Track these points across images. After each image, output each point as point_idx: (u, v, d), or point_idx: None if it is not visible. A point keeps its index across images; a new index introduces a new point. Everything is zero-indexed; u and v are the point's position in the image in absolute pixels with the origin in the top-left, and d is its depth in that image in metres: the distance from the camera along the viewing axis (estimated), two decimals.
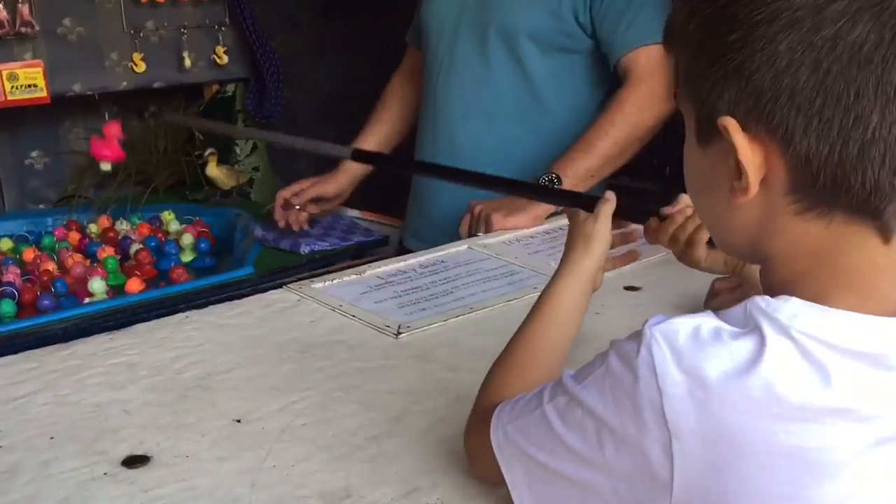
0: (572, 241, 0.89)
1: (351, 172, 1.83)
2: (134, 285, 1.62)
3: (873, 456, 0.52)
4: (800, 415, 0.51)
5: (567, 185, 1.51)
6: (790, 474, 0.52)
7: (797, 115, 0.52)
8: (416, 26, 1.87)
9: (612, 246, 0.92)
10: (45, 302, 1.52)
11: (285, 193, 1.80)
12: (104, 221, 1.99)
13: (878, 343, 0.53)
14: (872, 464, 0.52)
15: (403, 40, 1.93)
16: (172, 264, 1.75)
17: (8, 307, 1.50)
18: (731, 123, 0.55)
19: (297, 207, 1.80)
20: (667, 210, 0.93)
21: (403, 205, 1.94)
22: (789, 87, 0.52)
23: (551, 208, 1.54)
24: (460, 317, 1.15)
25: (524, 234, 1.50)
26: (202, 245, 1.89)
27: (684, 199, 0.92)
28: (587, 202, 0.92)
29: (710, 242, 0.90)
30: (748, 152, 0.55)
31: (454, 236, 1.55)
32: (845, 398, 0.52)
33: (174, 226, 2.00)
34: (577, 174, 1.54)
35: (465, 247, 1.44)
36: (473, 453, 0.76)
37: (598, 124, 1.58)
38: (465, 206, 1.62)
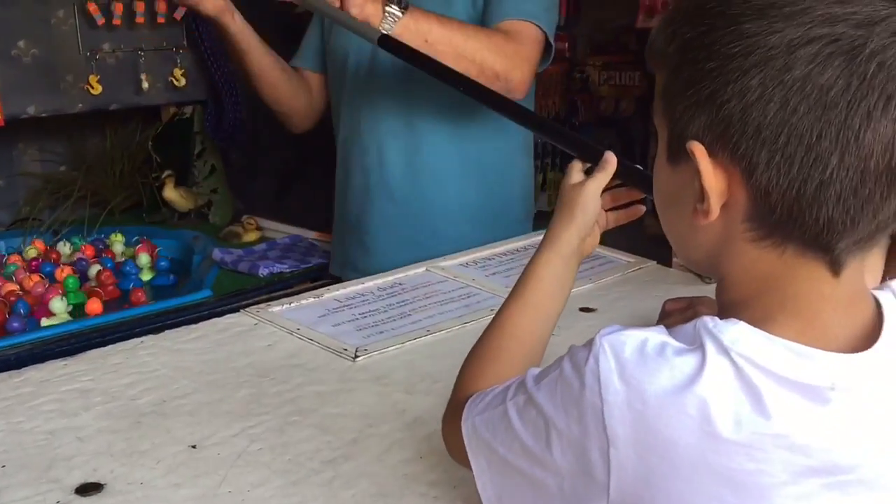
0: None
1: None
2: (94, 306, 1.61)
3: (800, 485, 0.54)
4: (731, 437, 0.53)
5: (407, 17, 1.42)
6: (717, 492, 0.54)
7: (761, 149, 0.54)
8: (313, 50, 1.81)
9: (617, 201, 0.89)
10: (15, 324, 1.52)
11: None
12: (39, 245, 1.97)
13: (815, 375, 0.55)
14: (799, 492, 0.54)
15: None
16: (132, 285, 1.74)
17: None
18: (698, 149, 0.57)
19: None
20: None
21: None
22: (757, 121, 0.54)
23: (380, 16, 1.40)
24: (417, 339, 1.16)
25: (481, 255, 1.51)
26: (162, 263, 1.88)
27: None
28: (590, 154, 0.87)
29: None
30: (712, 178, 0.57)
31: (390, 262, 1.50)
32: (776, 425, 0.53)
33: (119, 247, 1.99)
34: (418, 22, 1.43)
35: (423, 269, 1.45)
36: (449, 440, 0.78)
37: (470, 25, 1.50)
38: (398, 233, 1.60)
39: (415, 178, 1.64)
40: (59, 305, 1.57)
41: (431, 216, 1.63)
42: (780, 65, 0.53)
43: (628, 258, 1.49)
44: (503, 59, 1.47)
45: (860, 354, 0.56)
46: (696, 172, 0.57)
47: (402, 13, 1.41)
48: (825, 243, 0.56)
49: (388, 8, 1.41)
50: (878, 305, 0.60)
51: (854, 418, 0.55)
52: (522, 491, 0.64)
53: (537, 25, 1.52)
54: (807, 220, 0.54)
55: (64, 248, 2.00)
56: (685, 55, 0.58)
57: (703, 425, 0.54)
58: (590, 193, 0.85)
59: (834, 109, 0.52)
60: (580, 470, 0.59)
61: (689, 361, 0.55)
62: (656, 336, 0.57)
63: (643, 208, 0.92)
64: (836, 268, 0.57)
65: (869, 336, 0.58)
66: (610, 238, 1.44)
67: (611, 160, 0.86)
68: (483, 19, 1.56)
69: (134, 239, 2.02)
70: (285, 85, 1.76)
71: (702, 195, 0.58)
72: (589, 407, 0.57)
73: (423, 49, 1.36)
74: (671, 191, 0.64)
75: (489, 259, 1.50)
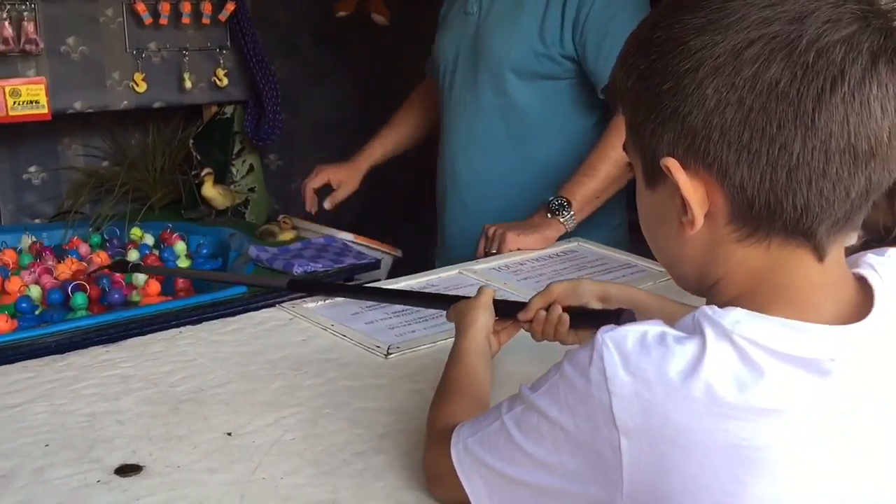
0: (458, 319, 1.00)
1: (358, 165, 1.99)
2: (154, 287, 1.72)
3: (806, 454, 0.56)
4: (737, 414, 0.55)
5: (575, 207, 1.61)
6: (729, 471, 0.56)
7: (729, 150, 0.58)
8: (433, 58, 1.96)
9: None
10: (116, 296, 1.67)
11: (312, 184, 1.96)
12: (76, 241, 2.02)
13: (813, 348, 0.57)
14: (804, 462, 0.56)
15: (397, 67, 2.00)
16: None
17: (80, 300, 1.62)
18: (672, 164, 0.60)
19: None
20: (520, 316, 1.01)
21: (396, 230, 1.99)
22: (719, 125, 0.57)
23: (561, 230, 1.62)
24: (448, 339, 1.17)
25: (514, 260, 1.53)
26: (204, 251, 1.95)
27: (533, 304, 1.00)
28: (446, 302, 1.07)
29: (571, 326, 0.98)
30: (690, 188, 0.60)
31: (459, 258, 1.63)
32: (779, 399, 0.56)
33: (150, 239, 2.04)
34: (584, 196, 1.63)
35: (455, 272, 1.47)
36: (433, 475, 0.80)
37: (599, 149, 1.66)
38: (467, 231, 1.72)
39: (481, 191, 1.81)
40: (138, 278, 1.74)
41: (495, 221, 1.69)
42: (729, 70, 0.56)
43: (660, 268, 1.50)
44: None
45: (855, 325, 0.59)
46: (675, 188, 0.60)
47: (571, 213, 1.61)
48: (806, 229, 0.58)
49: (562, 220, 1.61)
50: (862, 283, 0.63)
51: (853, 387, 0.57)
52: (528, 501, 0.66)
53: None
54: (785, 208, 0.57)
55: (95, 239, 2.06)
56: (643, 84, 0.61)
57: (710, 407, 0.56)
58: (476, 300, 1.00)
59: (786, 99, 0.55)
60: (591, 469, 0.60)
61: (690, 348, 0.57)
62: (655, 327, 0.60)
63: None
64: (820, 253, 0.60)
65: (858, 312, 0.60)
66: (644, 248, 1.46)
67: (483, 290, 1.02)
68: (594, 79, 1.67)
69: (153, 232, 2.08)
70: (423, 130, 2.03)
71: (684, 208, 0.61)
72: (596, 403, 0.59)
73: (602, 200, 1.66)
74: (655, 214, 0.66)
75: (521, 264, 1.52)
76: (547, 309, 0.99)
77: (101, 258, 1.89)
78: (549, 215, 1.62)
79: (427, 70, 2.01)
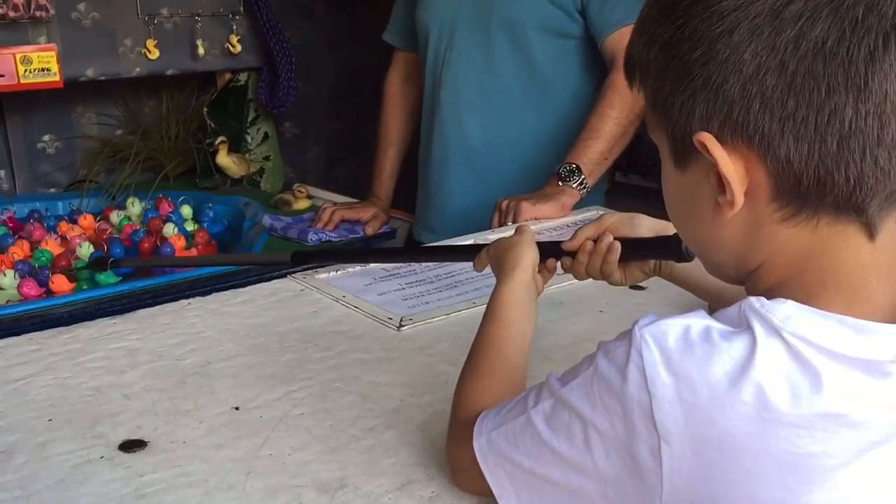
0: (501, 261, 0.90)
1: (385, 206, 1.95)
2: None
3: (864, 461, 0.52)
4: (790, 420, 0.51)
5: (585, 171, 1.58)
6: (780, 480, 0.51)
7: (771, 120, 0.52)
8: (400, 26, 1.92)
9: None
10: (167, 250, 1.77)
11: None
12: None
13: (871, 349, 0.52)
14: (863, 469, 0.52)
15: None
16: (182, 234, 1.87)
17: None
18: (707, 138, 0.55)
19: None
20: (565, 245, 0.94)
21: (411, 198, 1.95)
22: (759, 93, 0.52)
23: (576, 196, 1.58)
24: (462, 311, 1.15)
25: (532, 229, 1.49)
26: (210, 214, 2.00)
27: (582, 233, 0.93)
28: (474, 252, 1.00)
29: (620, 259, 0.91)
30: (728, 164, 0.54)
31: (464, 229, 1.57)
32: (837, 403, 0.51)
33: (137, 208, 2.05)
34: (591, 160, 1.60)
35: (470, 241, 1.44)
36: (456, 465, 0.76)
37: (598, 109, 1.62)
38: (475, 198, 1.67)
39: (492, 149, 1.75)
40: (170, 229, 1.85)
41: (508, 184, 1.68)
42: (768, 31, 0.51)
43: None
44: (632, 106, 1.59)
45: None
46: (710, 166, 0.55)
47: (582, 177, 1.58)
48: (858, 203, 0.53)
49: (574, 186, 1.58)
50: None
51: None
52: (556, 501, 0.61)
53: None
54: (836, 181, 0.52)
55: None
56: (668, 53, 0.56)
57: (760, 412, 0.51)
58: (519, 237, 0.92)
59: (835, 60, 0.50)
60: (627, 472, 0.56)
61: (738, 346, 0.52)
62: (699, 321, 0.55)
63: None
64: (871, 230, 0.55)
65: None
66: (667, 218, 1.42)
67: (523, 227, 0.95)
68: (596, 30, 1.65)
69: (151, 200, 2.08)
70: (415, 125, 1.95)
71: (721, 187, 0.55)
72: (635, 403, 0.54)
73: (610, 160, 1.63)
74: (686, 197, 0.61)
75: (538, 233, 1.48)
76: (595, 241, 0.92)
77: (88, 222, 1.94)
78: (560, 183, 1.58)
79: (394, 41, 1.95)
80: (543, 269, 0.94)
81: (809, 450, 0.51)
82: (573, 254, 0.94)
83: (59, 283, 1.56)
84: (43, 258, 1.70)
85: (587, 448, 0.58)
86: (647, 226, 0.92)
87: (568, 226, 1.52)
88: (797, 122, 0.51)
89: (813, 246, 0.55)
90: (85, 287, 1.59)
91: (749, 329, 0.53)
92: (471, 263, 1.03)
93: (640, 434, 0.54)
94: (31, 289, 1.55)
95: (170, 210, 2.03)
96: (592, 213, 1.58)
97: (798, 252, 0.56)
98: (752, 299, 0.55)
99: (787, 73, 0.51)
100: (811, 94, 0.51)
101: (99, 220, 1.98)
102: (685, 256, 0.85)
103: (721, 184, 0.55)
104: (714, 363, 0.52)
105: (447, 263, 1.33)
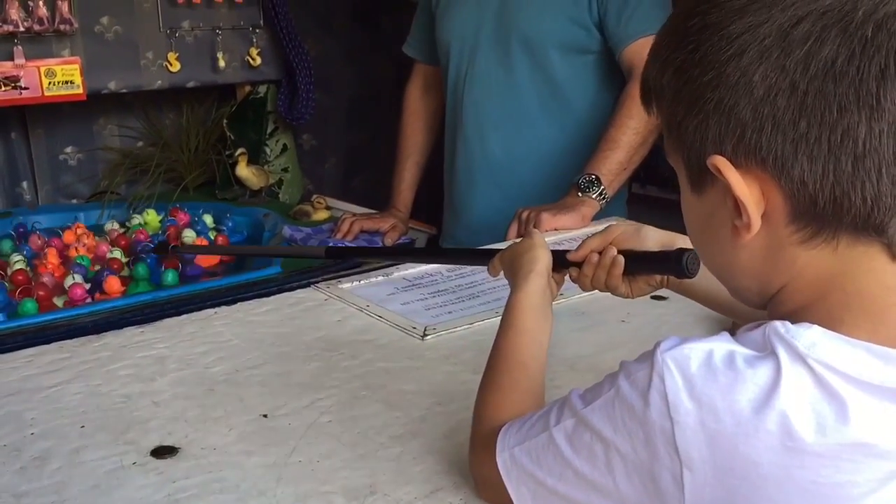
0: (515, 266, 0.90)
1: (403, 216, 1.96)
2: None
3: (890, 489, 0.51)
4: (816, 450, 0.50)
5: (605, 181, 1.59)
6: None
7: (784, 141, 0.52)
8: (420, 38, 1.94)
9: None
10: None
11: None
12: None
13: None
14: (889, 497, 0.51)
15: None
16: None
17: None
18: (720, 161, 0.55)
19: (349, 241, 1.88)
20: (571, 256, 0.93)
21: (430, 210, 1.97)
22: (771, 115, 0.52)
23: (596, 207, 1.59)
24: (486, 320, 1.16)
25: (552, 240, 1.50)
26: (229, 224, 1.99)
27: (587, 245, 0.93)
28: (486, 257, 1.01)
29: (625, 273, 0.90)
30: (743, 187, 0.54)
31: (490, 242, 1.58)
32: (863, 433, 0.50)
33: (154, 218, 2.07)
34: (611, 170, 1.61)
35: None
36: (479, 478, 0.76)
37: (616, 120, 1.64)
38: (498, 210, 1.68)
39: (514, 164, 1.78)
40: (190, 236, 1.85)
41: (532, 197, 1.69)
42: (777, 52, 0.51)
43: None
44: (650, 117, 1.56)
45: None
46: (726, 189, 0.55)
47: (602, 188, 1.60)
48: (877, 223, 0.53)
49: (594, 197, 1.59)
50: None
51: None
52: None
53: None
54: (854, 201, 0.52)
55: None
56: (680, 78, 0.56)
57: (785, 441, 0.50)
58: (537, 245, 0.91)
59: (845, 79, 0.50)
60: (648, 495, 0.56)
61: (762, 373, 0.52)
62: (722, 346, 0.54)
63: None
64: (893, 250, 0.54)
65: None
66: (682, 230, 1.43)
67: (534, 232, 0.95)
68: (613, 43, 1.66)
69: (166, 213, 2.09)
70: (434, 137, 1.99)
71: (737, 210, 0.55)
72: (657, 429, 0.54)
73: (629, 170, 1.65)
74: (704, 221, 0.61)
75: (558, 243, 1.49)
76: (601, 252, 0.91)
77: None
78: (579, 194, 1.59)
79: (414, 54, 1.97)
80: (553, 278, 0.94)
81: (835, 479, 0.51)
82: (580, 264, 0.94)
83: (113, 284, 1.59)
84: (86, 263, 1.72)
85: (609, 470, 0.58)
86: (653, 238, 0.91)
87: (573, 238, 1.53)
88: (810, 142, 0.51)
89: (834, 268, 0.55)
90: (141, 289, 1.61)
91: (773, 355, 0.52)
92: (489, 272, 1.03)
93: (662, 459, 0.54)
94: (81, 292, 1.57)
95: (185, 221, 2.04)
96: (613, 223, 1.59)
97: (820, 275, 0.55)
98: (777, 324, 0.54)
99: (797, 93, 0.51)
100: (823, 114, 0.50)
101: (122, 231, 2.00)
102: (686, 272, 0.84)
103: (737, 207, 0.55)
104: (738, 390, 0.52)
105: (468, 273, 1.34)
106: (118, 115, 2.29)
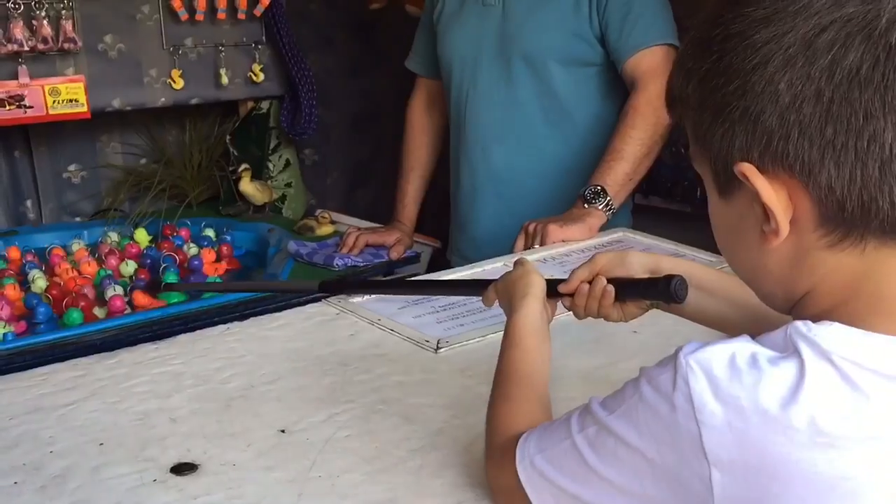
0: (510, 293, 0.91)
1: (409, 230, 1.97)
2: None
3: None
4: (844, 444, 0.51)
5: (611, 192, 1.59)
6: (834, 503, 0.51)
7: (811, 147, 0.53)
8: (422, 53, 1.95)
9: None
10: (196, 262, 1.84)
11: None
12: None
13: None
14: None
15: None
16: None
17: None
18: (748, 168, 0.55)
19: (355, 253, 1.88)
20: (561, 288, 0.93)
21: (435, 223, 1.97)
22: (797, 122, 0.53)
23: (603, 218, 1.59)
24: (498, 333, 1.15)
25: (559, 252, 1.51)
26: (228, 238, 2.01)
27: (576, 276, 0.92)
28: (480, 287, 1.01)
29: (617, 298, 0.90)
30: (771, 193, 0.55)
31: (494, 253, 1.58)
32: (889, 425, 0.51)
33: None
34: (616, 181, 1.61)
35: (500, 263, 1.45)
36: (497, 488, 0.76)
37: (621, 131, 1.64)
38: (503, 224, 1.69)
39: (519, 178, 1.78)
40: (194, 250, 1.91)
41: (537, 210, 1.69)
42: (802, 61, 0.52)
43: (710, 257, 1.46)
44: (658, 114, 1.59)
45: None
46: (754, 196, 0.56)
47: (608, 199, 1.59)
48: None
49: (600, 208, 1.58)
50: None
51: None
52: None
53: (669, 44, 1.62)
54: (881, 205, 0.53)
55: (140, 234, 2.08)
56: (705, 87, 0.57)
57: (813, 437, 0.51)
58: (530, 271, 0.92)
59: (870, 86, 0.51)
60: (676, 498, 0.56)
61: (787, 371, 0.52)
62: (744, 347, 0.55)
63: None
64: None
65: None
66: (694, 238, 1.43)
67: (523, 260, 0.96)
68: (616, 56, 1.67)
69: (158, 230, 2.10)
70: (438, 151, 2.00)
71: (765, 216, 0.56)
72: (683, 432, 0.54)
73: (635, 181, 1.65)
74: (732, 227, 0.61)
75: (566, 255, 1.50)
76: (591, 282, 0.91)
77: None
78: (585, 205, 1.60)
79: (416, 69, 1.98)
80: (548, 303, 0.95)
81: (863, 473, 0.51)
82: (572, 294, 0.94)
83: (141, 298, 1.62)
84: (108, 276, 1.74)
85: (635, 475, 0.58)
86: (639, 263, 0.91)
87: (595, 248, 1.53)
88: (836, 148, 0.52)
89: (861, 271, 0.56)
90: (171, 302, 1.62)
91: (796, 353, 0.53)
92: (483, 302, 1.03)
93: (689, 462, 0.54)
94: (121, 303, 1.61)
95: (186, 236, 2.05)
96: (619, 234, 1.60)
97: (846, 278, 0.56)
98: (799, 323, 0.55)
99: (823, 100, 0.52)
100: (849, 120, 0.51)
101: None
102: (675, 298, 0.85)
103: (766, 213, 0.56)
104: (763, 389, 0.52)
105: None
106: (121, 132, 2.29)
